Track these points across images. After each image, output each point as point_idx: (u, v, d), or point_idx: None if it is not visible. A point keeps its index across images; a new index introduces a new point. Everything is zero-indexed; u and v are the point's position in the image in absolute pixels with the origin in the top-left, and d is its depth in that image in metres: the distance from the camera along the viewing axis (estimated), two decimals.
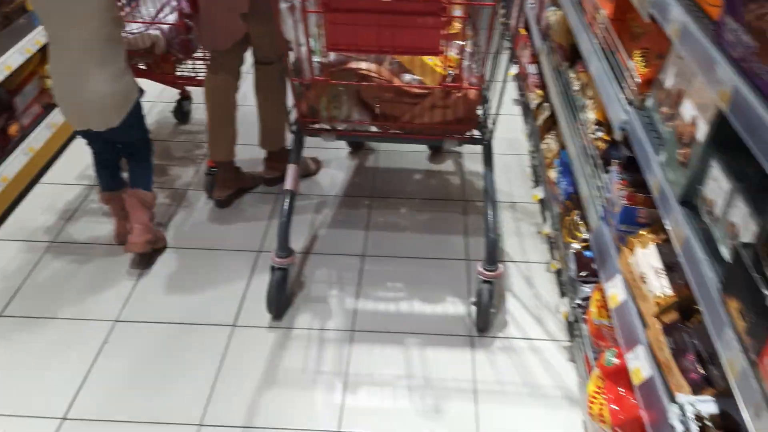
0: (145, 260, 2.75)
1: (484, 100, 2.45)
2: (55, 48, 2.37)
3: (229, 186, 3.04)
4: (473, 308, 2.49)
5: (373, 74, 2.29)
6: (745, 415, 1.09)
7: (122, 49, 2.46)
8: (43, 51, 3.26)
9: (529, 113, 3.45)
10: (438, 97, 2.29)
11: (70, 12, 2.27)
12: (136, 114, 2.56)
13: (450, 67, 2.27)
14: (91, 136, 2.56)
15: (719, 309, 1.20)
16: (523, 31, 3.71)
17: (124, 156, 2.71)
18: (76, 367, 2.30)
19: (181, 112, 3.67)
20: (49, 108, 3.30)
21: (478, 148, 2.51)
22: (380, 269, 2.77)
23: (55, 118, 3.32)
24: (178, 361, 2.34)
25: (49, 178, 3.28)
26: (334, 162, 3.44)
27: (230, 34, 2.71)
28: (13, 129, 3.02)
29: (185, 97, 3.66)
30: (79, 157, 3.40)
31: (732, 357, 1.14)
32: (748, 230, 1.18)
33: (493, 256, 2.40)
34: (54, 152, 3.37)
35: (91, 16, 2.29)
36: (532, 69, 3.45)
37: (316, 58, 2.32)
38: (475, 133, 2.45)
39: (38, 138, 3.18)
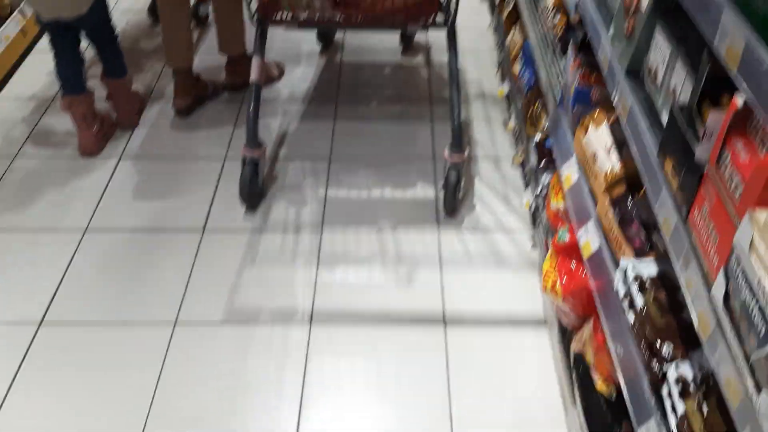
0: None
1: None
2: None
3: (188, 93, 2.99)
4: (441, 193, 2.56)
5: None
6: (676, 267, 1.15)
7: None
8: None
9: (494, 8, 3.39)
10: None
11: None
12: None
13: None
14: (58, 28, 2.60)
15: (657, 172, 1.24)
16: None
17: (94, 45, 2.77)
18: (48, 274, 2.33)
19: (197, 16, 3.58)
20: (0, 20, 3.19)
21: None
22: (350, 159, 2.82)
23: (8, 32, 3.21)
24: (151, 265, 2.38)
25: (5, 93, 3.20)
26: (303, 60, 3.42)
27: None
28: None
29: (202, 0, 3.56)
30: (37, 72, 3.32)
31: (666, 215, 1.19)
32: (685, 92, 1.21)
33: (459, 139, 2.46)
34: (8, 68, 3.28)
35: None
36: None
37: None
38: (438, 18, 2.45)
39: None
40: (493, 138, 2.94)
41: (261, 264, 2.38)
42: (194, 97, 3.03)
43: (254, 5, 2.45)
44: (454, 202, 2.52)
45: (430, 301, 2.24)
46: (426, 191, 2.68)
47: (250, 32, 2.93)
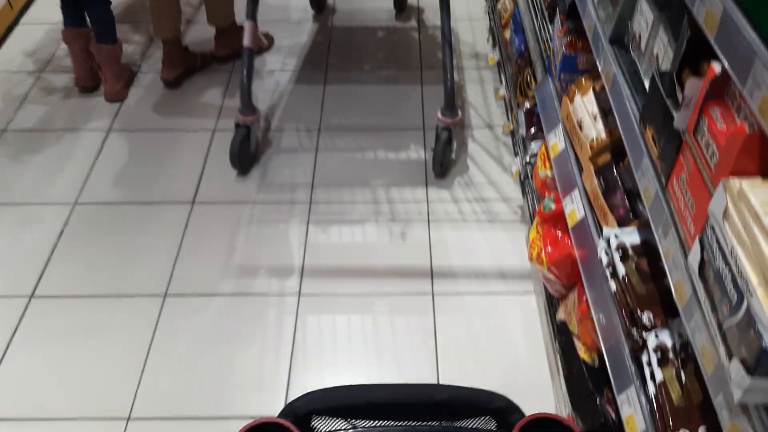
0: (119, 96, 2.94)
1: None
2: None
3: (176, 65, 2.96)
4: (432, 154, 2.57)
5: None
6: (656, 235, 1.15)
7: None
8: None
9: None
10: None
11: None
12: None
13: None
14: None
15: (639, 139, 1.23)
16: None
17: (85, 7, 2.80)
18: (38, 248, 2.33)
19: None
20: None
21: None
22: (340, 123, 2.83)
23: None
24: (140, 238, 2.38)
25: None
26: (295, 25, 3.40)
27: None
28: None
29: None
30: (24, 43, 3.27)
31: (647, 183, 1.19)
32: (667, 58, 1.19)
33: (451, 101, 2.46)
34: None
35: None
36: None
37: None
38: None
39: None
40: (485, 104, 2.92)
41: (252, 230, 2.39)
42: (183, 68, 3.00)
43: None
44: (444, 164, 2.53)
45: (418, 258, 2.27)
46: (417, 153, 2.69)
47: (239, 2, 2.90)
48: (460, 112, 2.54)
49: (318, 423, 1.14)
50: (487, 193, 2.52)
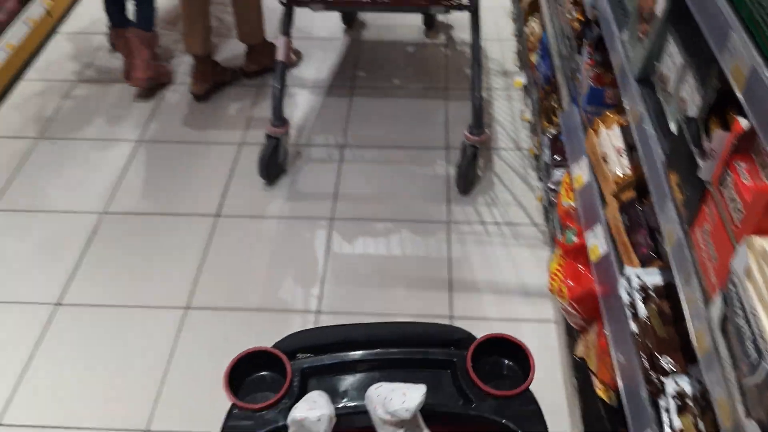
0: (148, 92, 3.04)
1: None
2: None
3: (206, 80, 3.01)
4: (456, 171, 2.60)
5: None
6: (677, 281, 1.14)
7: None
8: None
9: None
10: None
11: None
12: None
13: None
14: None
15: (663, 183, 1.23)
16: None
17: None
18: (67, 256, 2.38)
19: None
20: (24, 2, 3.21)
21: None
22: (365, 136, 2.88)
23: (32, 13, 3.24)
24: (165, 249, 2.42)
25: (30, 75, 3.25)
26: (324, 38, 3.44)
27: None
28: None
29: None
30: (61, 53, 3.35)
31: (670, 228, 1.18)
32: (694, 104, 1.19)
33: (479, 120, 2.49)
34: (33, 49, 3.31)
35: None
36: None
37: None
38: (463, 0, 2.47)
39: (16, 35, 3.12)
40: (512, 124, 2.92)
41: (275, 244, 2.42)
42: (212, 83, 3.05)
43: None
44: (468, 181, 2.57)
45: (438, 273, 2.29)
46: (440, 169, 2.71)
47: (268, 20, 2.95)
48: (487, 131, 2.57)
49: (302, 358, 1.29)
50: (510, 212, 2.52)
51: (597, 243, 1.61)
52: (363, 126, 2.93)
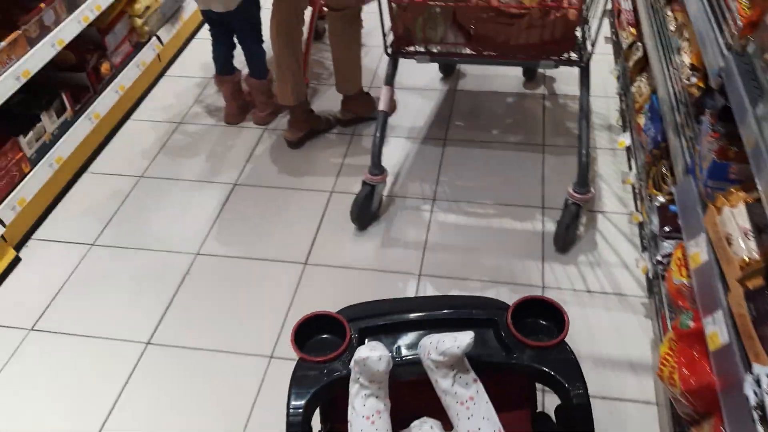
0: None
1: (583, 20, 2.39)
2: None
3: (300, 128, 3.07)
4: (556, 228, 2.52)
5: None
6: None
7: None
8: None
9: (620, 53, 3.23)
10: (536, 17, 2.25)
11: None
12: (250, 1, 2.89)
13: None
14: (212, 18, 2.95)
15: None
16: None
17: (239, 42, 3.07)
18: (160, 296, 2.44)
19: (317, 31, 3.69)
20: (138, 46, 3.39)
21: (574, 71, 2.49)
22: (458, 186, 2.84)
23: (145, 57, 3.42)
24: (253, 294, 2.43)
25: (137, 115, 3.41)
26: (421, 86, 3.44)
27: None
28: (105, 67, 3.14)
29: (321, 17, 3.65)
30: (167, 95, 3.51)
31: None
32: None
33: (584, 177, 2.42)
34: (143, 91, 3.49)
35: None
36: (625, 4, 3.21)
37: None
38: (572, 54, 2.41)
39: (128, 76, 3.29)
40: (615, 183, 2.80)
41: (362, 294, 2.37)
42: (306, 130, 3.10)
43: (389, 39, 2.50)
44: (567, 239, 2.49)
45: None
46: (535, 225, 2.62)
47: (365, 68, 2.98)
48: (592, 189, 2.48)
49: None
50: (610, 277, 2.39)
51: (717, 331, 1.48)
52: (456, 176, 2.89)
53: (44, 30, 2.70)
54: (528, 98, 3.36)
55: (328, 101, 3.34)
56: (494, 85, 3.44)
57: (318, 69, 3.63)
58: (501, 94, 3.39)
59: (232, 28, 3.03)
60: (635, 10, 2.98)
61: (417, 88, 3.44)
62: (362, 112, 3.14)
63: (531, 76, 3.45)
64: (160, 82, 3.62)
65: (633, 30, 3.03)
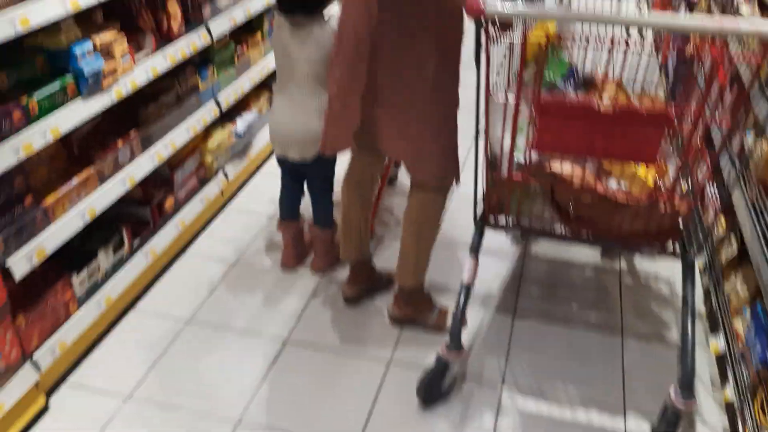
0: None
1: (697, 214, 2.28)
2: (280, 81, 2.77)
3: (359, 282, 2.91)
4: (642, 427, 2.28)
5: (573, 179, 2.14)
6: None
7: (325, 89, 2.63)
8: (207, 129, 3.33)
9: (705, 239, 3.04)
10: (644, 208, 2.12)
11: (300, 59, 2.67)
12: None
13: (660, 177, 2.15)
14: (285, 165, 2.92)
15: None
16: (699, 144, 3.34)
17: (308, 189, 3.01)
18: (249, 379, 2.48)
19: (390, 177, 3.68)
20: (204, 182, 3.35)
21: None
22: (527, 363, 2.62)
23: (209, 192, 3.36)
24: None
25: (192, 250, 3.29)
26: (495, 252, 3.26)
27: (332, 141, 2.53)
28: (169, 203, 3.07)
29: (397, 164, 3.64)
30: (226, 230, 3.42)
31: None
32: None
33: (690, 382, 2.14)
34: (201, 226, 3.40)
35: (310, 64, 2.65)
36: (711, 189, 3.05)
37: (516, 154, 2.22)
38: (677, 246, 2.27)
39: (190, 212, 3.21)
40: (703, 390, 2.51)
41: None
42: (365, 286, 2.94)
43: (480, 208, 2.39)
44: None
45: None
46: (614, 422, 2.34)
47: (434, 263, 2.76)
48: (696, 401, 2.18)
49: None
50: None
51: None
52: (526, 355, 2.66)
53: (117, 167, 2.65)
54: (604, 273, 3.16)
55: (392, 255, 3.17)
56: (570, 253, 3.26)
57: (386, 216, 3.52)
58: (575, 264, 3.20)
59: (304, 175, 2.98)
60: (722, 198, 2.81)
61: (489, 250, 3.24)
62: (412, 313, 2.76)
63: (609, 249, 3.25)
64: (220, 215, 3.54)
65: (724, 219, 2.86)
